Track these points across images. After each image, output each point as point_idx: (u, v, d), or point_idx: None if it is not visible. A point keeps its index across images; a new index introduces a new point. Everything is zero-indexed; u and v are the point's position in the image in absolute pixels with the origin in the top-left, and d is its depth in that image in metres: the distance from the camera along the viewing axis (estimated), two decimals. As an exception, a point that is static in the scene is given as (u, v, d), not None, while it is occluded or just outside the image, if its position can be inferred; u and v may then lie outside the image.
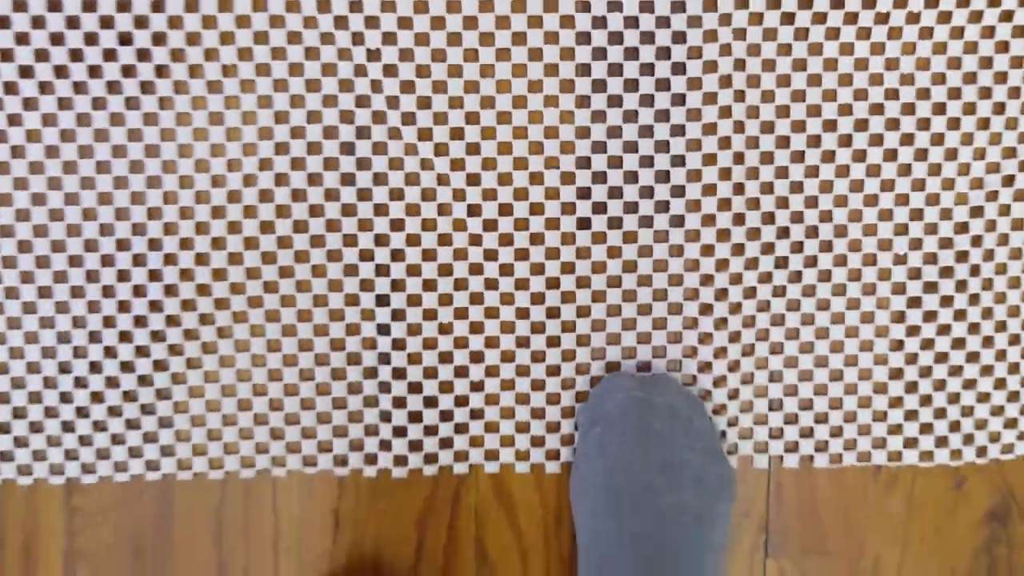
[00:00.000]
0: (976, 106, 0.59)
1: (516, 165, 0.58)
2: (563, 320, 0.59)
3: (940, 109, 0.59)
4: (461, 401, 0.60)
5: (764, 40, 0.58)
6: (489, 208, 0.58)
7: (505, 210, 0.58)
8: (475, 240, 0.58)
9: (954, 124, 0.59)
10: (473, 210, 0.58)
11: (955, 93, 0.59)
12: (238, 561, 0.60)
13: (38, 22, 0.56)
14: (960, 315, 0.61)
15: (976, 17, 0.59)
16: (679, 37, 0.57)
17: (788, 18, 0.58)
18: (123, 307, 0.58)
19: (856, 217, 0.60)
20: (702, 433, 0.56)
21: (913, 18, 0.58)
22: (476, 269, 0.59)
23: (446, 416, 0.60)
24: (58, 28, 0.56)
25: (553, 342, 0.59)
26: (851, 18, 0.58)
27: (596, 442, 0.55)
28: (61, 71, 0.56)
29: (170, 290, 0.58)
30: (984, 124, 0.59)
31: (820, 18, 0.58)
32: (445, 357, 0.59)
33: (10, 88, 0.56)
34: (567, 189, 0.58)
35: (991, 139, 0.59)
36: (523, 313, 0.59)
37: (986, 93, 0.59)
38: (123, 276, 0.58)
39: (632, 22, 0.57)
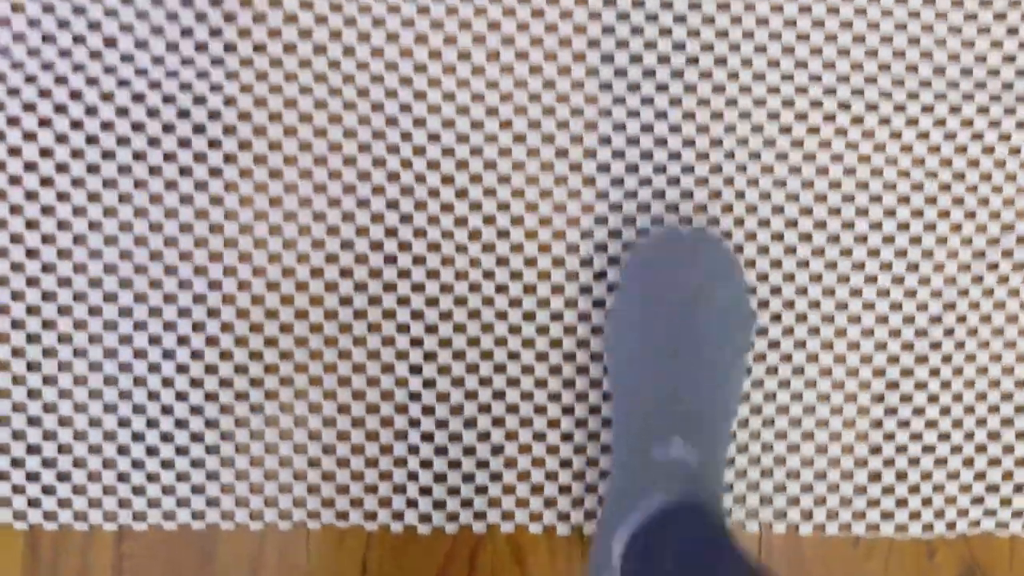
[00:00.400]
0: (950, 212, 0.67)
1: (542, 248, 0.65)
2: (577, 391, 0.66)
3: (917, 213, 0.67)
4: (482, 464, 0.66)
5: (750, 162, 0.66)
6: (515, 287, 0.65)
7: (529, 289, 0.65)
8: (501, 315, 0.65)
9: (930, 227, 0.67)
10: (500, 288, 0.65)
11: (932, 199, 0.67)
12: (272, 607, 0.65)
13: (121, 111, 0.63)
14: (933, 399, 0.68)
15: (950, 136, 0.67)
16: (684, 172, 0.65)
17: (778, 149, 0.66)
18: (181, 369, 0.64)
19: (842, 306, 0.67)
20: (730, 279, 0.62)
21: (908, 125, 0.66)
22: (501, 341, 0.65)
23: (468, 478, 0.66)
24: (141, 117, 0.63)
25: (568, 410, 0.66)
26: (843, 106, 0.66)
27: (635, 290, 0.61)
28: (139, 155, 0.63)
29: (225, 355, 0.64)
30: (956, 228, 0.67)
31: (814, 131, 0.66)
32: (470, 422, 0.65)
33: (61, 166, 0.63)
34: (585, 279, 0.65)
35: (963, 241, 0.67)
36: (542, 383, 0.66)
37: (958, 200, 0.67)
38: (183, 340, 0.64)
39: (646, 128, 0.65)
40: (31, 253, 0.63)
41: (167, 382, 0.64)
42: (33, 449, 0.64)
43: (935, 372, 0.67)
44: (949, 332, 0.67)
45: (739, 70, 0.66)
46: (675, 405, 0.58)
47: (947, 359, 0.67)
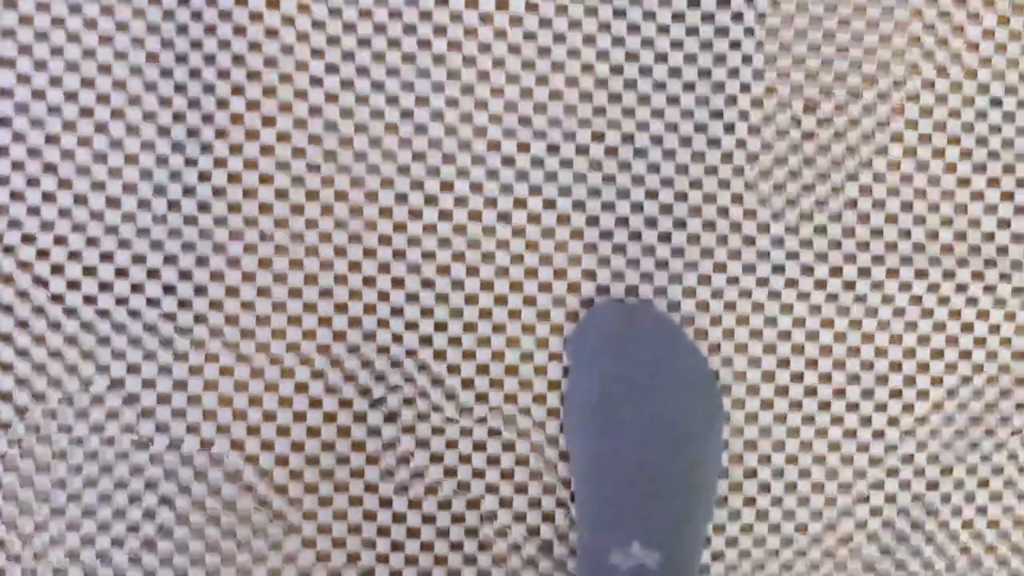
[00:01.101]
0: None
1: (521, 411, 0.64)
2: (555, 557, 0.64)
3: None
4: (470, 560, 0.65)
5: (739, 298, 0.64)
6: (493, 443, 0.64)
7: (508, 447, 0.64)
8: (478, 473, 0.64)
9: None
10: (477, 445, 0.64)
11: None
12: None
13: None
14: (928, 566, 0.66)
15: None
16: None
17: (767, 283, 0.64)
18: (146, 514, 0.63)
19: (832, 474, 0.65)
20: (686, 355, 0.60)
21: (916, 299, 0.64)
22: (474, 503, 0.64)
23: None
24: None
25: (549, 516, 0.64)
26: (833, 297, 0.64)
27: (584, 370, 0.60)
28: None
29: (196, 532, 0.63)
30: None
31: (804, 296, 0.64)
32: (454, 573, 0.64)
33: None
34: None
35: (944, 274, 0.65)
36: (516, 548, 0.64)
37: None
38: (134, 499, 0.63)
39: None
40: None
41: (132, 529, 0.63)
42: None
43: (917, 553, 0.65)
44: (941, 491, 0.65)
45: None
46: (635, 506, 0.56)
47: (930, 539, 0.65)
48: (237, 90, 0.61)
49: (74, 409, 0.62)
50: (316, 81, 0.62)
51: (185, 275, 0.62)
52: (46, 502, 0.63)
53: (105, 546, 0.64)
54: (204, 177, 0.62)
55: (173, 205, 0.62)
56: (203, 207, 0.62)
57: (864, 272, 0.64)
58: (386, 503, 0.64)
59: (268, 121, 0.62)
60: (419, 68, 0.62)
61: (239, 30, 0.61)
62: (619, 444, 0.58)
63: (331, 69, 0.62)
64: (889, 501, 0.65)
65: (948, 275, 0.64)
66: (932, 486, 0.65)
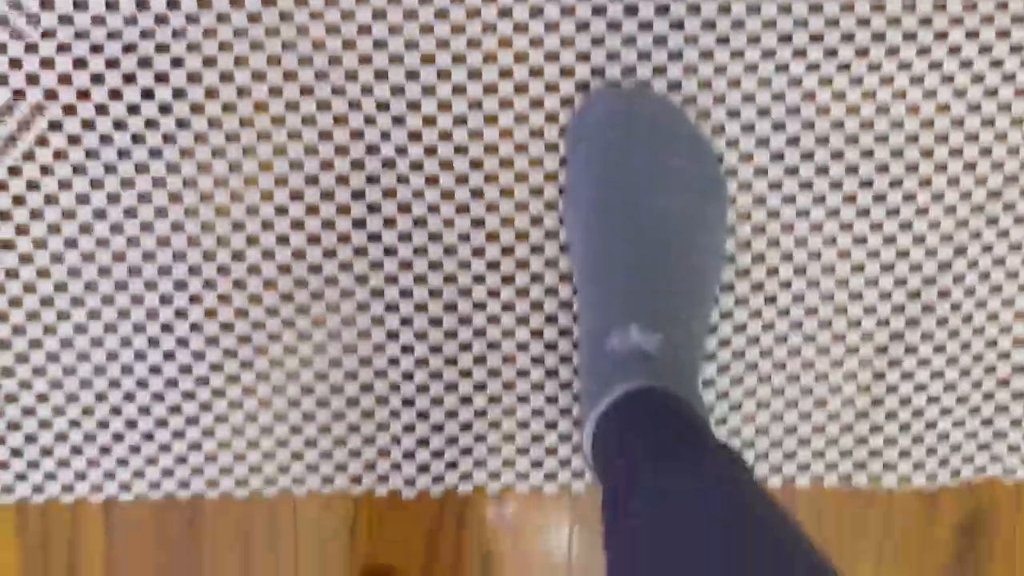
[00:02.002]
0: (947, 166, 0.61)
1: (518, 207, 0.61)
2: (560, 353, 0.63)
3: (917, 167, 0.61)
4: (465, 427, 0.64)
5: (745, 73, 0.60)
6: (492, 249, 0.62)
7: (507, 251, 0.62)
8: (479, 279, 0.62)
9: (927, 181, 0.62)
10: (477, 252, 0.62)
11: (927, 153, 0.61)
12: (261, 571, 0.66)
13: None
14: (939, 349, 0.64)
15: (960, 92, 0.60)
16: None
17: (773, 54, 0.60)
18: (153, 343, 0.62)
19: (844, 255, 0.63)
20: (686, 137, 0.58)
21: (916, 80, 0.60)
22: (480, 305, 0.62)
23: (451, 440, 0.64)
24: (84, 85, 0.59)
25: (552, 374, 0.63)
26: (845, 68, 0.60)
27: (582, 159, 0.58)
28: (105, 138, 0.60)
29: (195, 327, 0.62)
30: (955, 182, 0.62)
31: (814, 67, 0.60)
32: (451, 387, 0.64)
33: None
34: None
35: (961, 195, 0.62)
36: (523, 346, 0.63)
37: (958, 152, 0.61)
38: (151, 314, 0.62)
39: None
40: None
41: (139, 355, 0.63)
42: (13, 425, 0.63)
43: (943, 321, 0.64)
44: (958, 279, 0.63)
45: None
46: (633, 290, 0.55)
47: (956, 307, 0.64)
48: None
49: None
50: None
51: (174, 68, 0.59)
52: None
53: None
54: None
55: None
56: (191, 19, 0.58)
57: (878, 36, 0.60)
58: (392, 307, 0.63)
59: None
60: None
61: None
62: (620, 232, 0.56)
63: None
64: (898, 284, 0.63)
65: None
66: (930, 282, 0.63)
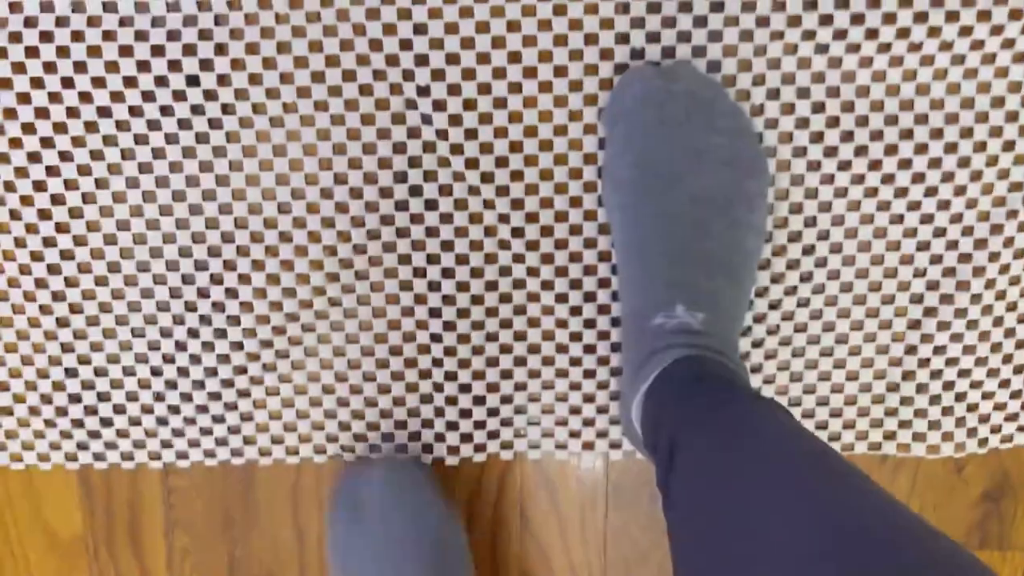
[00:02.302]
0: (987, 144, 0.61)
1: (557, 189, 0.62)
2: (599, 330, 0.65)
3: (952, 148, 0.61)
4: (506, 399, 0.66)
5: (785, 55, 0.60)
6: (531, 230, 0.63)
7: (547, 231, 0.63)
8: (518, 258, 0.63)
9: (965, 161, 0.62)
10: (517, 232, 0.63)
11: (967, 132, 0.61)
12: (313, 530, 0.69)
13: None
14: (972, 324, 0.65)
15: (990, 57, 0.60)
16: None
17: (813, 36, 0.60)
18: (205, 320, 0.65)
19: (880, 234, 0.63)
20: (726, 114, 0.58)
21: (946, 46, 0.60)
22: (520, 284, 0.64)
23: (492, 412, 0.67)
24: (131, 72, 0.60)
25: (590, 349, 0.65)
26: (884, 47, 0.60)
27: (621, 138, 0.58)
28: (135, 110, 0.61)
29: (245, 306, 0.64)
30: (993, 160, 0.62)
31: (854, 48, 0.60)
32: (492, 361, 0.66)
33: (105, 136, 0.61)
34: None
35: (999, 174, 0.62)
36: (563, 323, 0.65)
37: (997, 131, 0.61)
38: (203, 293, 0.64)
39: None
40: (56, 200, 0.63)
41: (193, 332, 0.65)
42: (74, 398, 0.66)
43: (976, 297, 0.64)
44: (992, 255, 0.64)
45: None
46: (677, 271, 0.56)
47: (991, 283, 0.64)
48: None
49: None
50: None
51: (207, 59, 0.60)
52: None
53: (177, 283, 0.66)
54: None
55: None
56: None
57: (920, 17, 0.59)
58: (421, 299, 0.64)
59: None
60: None
61: None
62: (661, 212, 0.57)
63: None
64: (935, 262, 0.64)
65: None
66: (965, 258, 0.63)
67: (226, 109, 0.61)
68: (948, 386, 0.66)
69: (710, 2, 0.59)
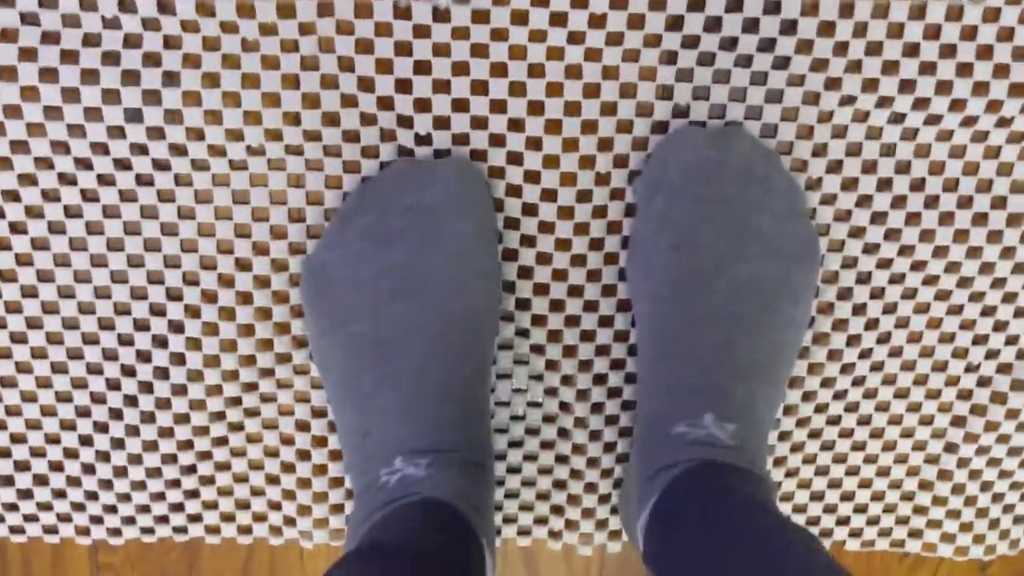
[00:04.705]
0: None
1: (573, 261, 0.53)
2: (606, 415, 0.56)
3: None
4: (498, 482, 0.58)
5: (853, 122, 0.51)
6: (539, 302, 0.54)
7: (556, 306, 0.54)
8: (522, 333, 0.54)
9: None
10: (520, 304, 0.54)
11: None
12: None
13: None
14: (1022, 427, 0.58)
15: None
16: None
17: (891, 102, 0.50)
18: (144, 387, 0.54)
19: (934, 324, 0.55)
20: (781, 192, 0.50)
21: (1004, 122, 0.51)
22: (521, 360, 0.55)
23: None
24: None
25: (595, 436, 0.57)
26: (970, 121, 0.51)
27: (658, 214, 0.49)
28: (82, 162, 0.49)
29: (193, 375, 0.54)
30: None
31: (934, 119, 0.51)
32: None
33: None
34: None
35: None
36: (566, 407, 0.56)
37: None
38: (143, 356, 0.54)
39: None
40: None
41: (130, 400, 0.55)
42: (-14, 467, 0.56)
43: (1002, 398, 0.57)
44: (1013, 341, 0.56)
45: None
46: (709, 378, 0.47)
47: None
48: None
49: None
50: None
51: None
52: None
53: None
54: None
55: None
56: None
57: (1017, 89, 0.50)
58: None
59: None
60: None
61: None
62: (698, 309, 0.48)
63: None
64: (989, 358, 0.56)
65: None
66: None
67: (176, 149, 0.50)
68: (986, 486, 0.60)
69: (773, 57, 0.49)
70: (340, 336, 0.48)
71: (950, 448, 0.59)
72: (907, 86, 0.50)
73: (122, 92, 0.48)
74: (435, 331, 0.47)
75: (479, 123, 0.50)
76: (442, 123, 0.50)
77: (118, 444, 0.56)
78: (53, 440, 0.56)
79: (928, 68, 0.49)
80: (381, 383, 0.47)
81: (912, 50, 0.49)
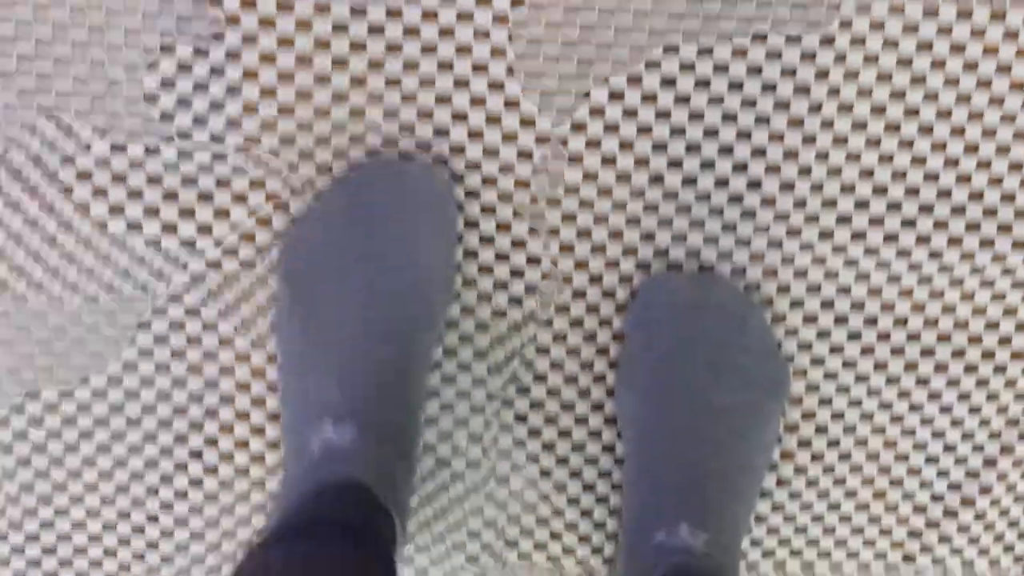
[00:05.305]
0: None
1: (567, 380, 0.59)
2: (595, 520, 0.62)
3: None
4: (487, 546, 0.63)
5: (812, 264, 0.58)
6: (535, 417, 0.60)
7: (550, 421, 0.60)
8: (518, 443, 0.60)
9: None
10: (520, 417, 0.60)
11: (989, 354, 0.60)
12: None
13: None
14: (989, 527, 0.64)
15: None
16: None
17: (850, 263, 0.58)
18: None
19: (890, 444, 0.62)
20: (756, 332, 0.57)
21: (976, 271, 0.58)
22: (516, 468, 0.61)
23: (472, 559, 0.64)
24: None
25: (584, 539, 0.63)
26: (916, 268, 0.58)
27: (641, 345, 0.57)
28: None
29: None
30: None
31: (883, 267, 0.58)
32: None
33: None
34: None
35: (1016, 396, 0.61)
36: (558, 512, 0.62)
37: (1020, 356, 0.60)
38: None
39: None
40: None
41: (107, 500, 0.61)
42: None
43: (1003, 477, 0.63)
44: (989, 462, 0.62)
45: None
46: (685, 489, 0.54)
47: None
48: None
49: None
50: None
51: None
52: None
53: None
54: None
55: None
56: None
57: (955, 242, 0.58)
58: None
59: None
60: None
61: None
62: (677, 426, 0.55)
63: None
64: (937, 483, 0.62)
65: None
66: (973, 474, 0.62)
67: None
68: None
69: (741, 210, 0.57)
70: (297, 299, 0.54)
71: (907, 558, 0.64)
72: (859, 236, 0.57)
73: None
74: (386, 311, 0.53)
75: (474, 255, 0.57)
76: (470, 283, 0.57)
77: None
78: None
79: (877, 221, 0.57)
80: (325, 347, 0.52)
81: (863, 204, 0.57)
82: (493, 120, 0.55)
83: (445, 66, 0.54)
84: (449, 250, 0.56)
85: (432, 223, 0.55)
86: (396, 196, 0.54)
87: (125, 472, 0.60)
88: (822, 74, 0.54)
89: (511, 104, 0.54)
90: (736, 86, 0.54)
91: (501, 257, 0.57)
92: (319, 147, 0.55)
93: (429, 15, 0.53)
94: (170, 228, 0.56)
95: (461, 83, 0.54)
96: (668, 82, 0.54)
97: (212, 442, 0.60)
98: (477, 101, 0.54)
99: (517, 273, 0.58)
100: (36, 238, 0.56)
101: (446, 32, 0.53)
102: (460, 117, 0.55)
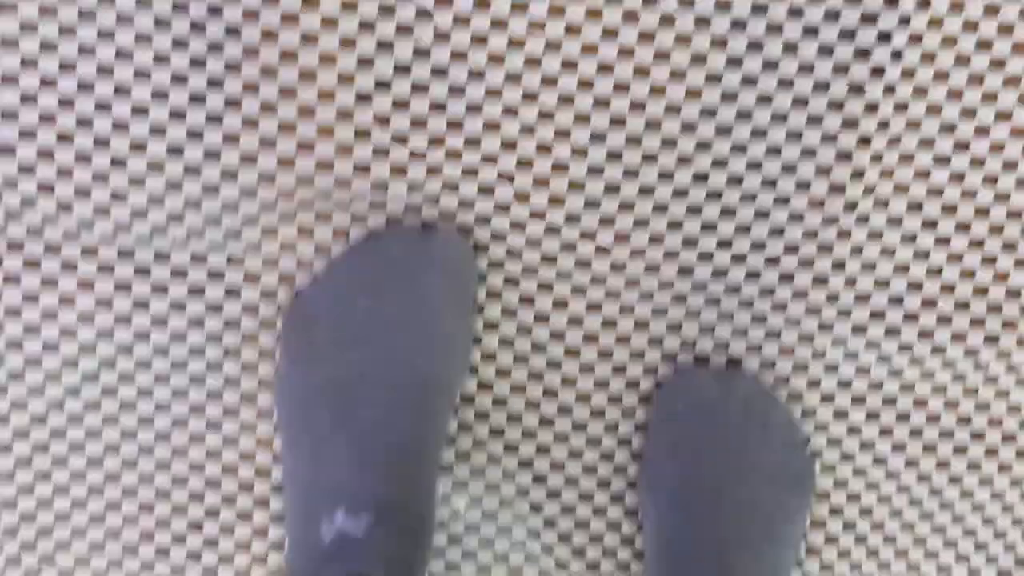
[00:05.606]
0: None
1: (585, 470, 0.58)
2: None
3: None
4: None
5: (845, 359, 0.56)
6: (551, 506, 0.58)
7: (567, 511, 0.58)
8: (532, 534, 0.59)
9: None
10: (536, 507, 0.58)
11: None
12: None
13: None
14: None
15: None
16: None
17: (883, 359, 0.56)
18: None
19: (920, 541, 0.60)
20: (780, 427, 0.56)
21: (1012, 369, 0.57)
22: (532, 558, 0.59)
23: None
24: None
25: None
26: (949, 366, 0.56)
27: (665, 441, 0.55)
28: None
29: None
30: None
31: (916, 363, 0.56)
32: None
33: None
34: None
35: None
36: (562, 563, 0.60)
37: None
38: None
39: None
40: None
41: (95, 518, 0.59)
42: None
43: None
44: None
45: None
46: None
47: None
48: None
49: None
50: None
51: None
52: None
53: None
54: None
55: None
56: None
57: (991, 340, 0.56)
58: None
59: None
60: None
61: None
62: (702, 521, 0.53)
63: None
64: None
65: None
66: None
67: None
68: None
69: (771, 303, 0.55)
70: (305, 371, 0.51)
71: None
72: (894, 332, 0.56)
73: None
74: (402, 384, 0.50)
75: (506, 342, 0.56)
76: (488, 356, 0.55)
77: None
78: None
79: (912, 316, 0.55)
80: (338, 427, 0.49)
81: (897, 300, 0.55)
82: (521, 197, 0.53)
83: (472, 142, 0.52)
84: (469, 321, 0.54)
85: (452, 292, 0.53)
86: (414, 264, 0.53)
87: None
88: (858, 174, 0.53)
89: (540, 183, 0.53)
90: (769, 183, 0.53)
91: (523, 331, 0.56)
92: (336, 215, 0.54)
93: (455, 91, 0.51)
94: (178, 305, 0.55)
95: (488, 159, 0.52)
96: (700, 178, 0.52)
97: (213, 513, 0.58)
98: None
99: (539, 347, 0.56)
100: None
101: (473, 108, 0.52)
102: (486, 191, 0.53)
